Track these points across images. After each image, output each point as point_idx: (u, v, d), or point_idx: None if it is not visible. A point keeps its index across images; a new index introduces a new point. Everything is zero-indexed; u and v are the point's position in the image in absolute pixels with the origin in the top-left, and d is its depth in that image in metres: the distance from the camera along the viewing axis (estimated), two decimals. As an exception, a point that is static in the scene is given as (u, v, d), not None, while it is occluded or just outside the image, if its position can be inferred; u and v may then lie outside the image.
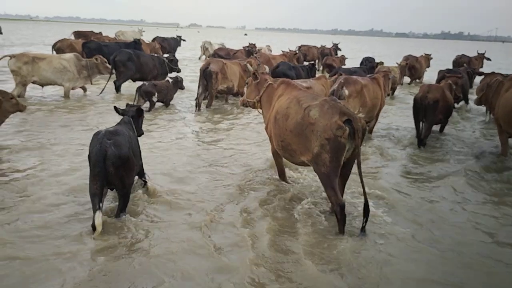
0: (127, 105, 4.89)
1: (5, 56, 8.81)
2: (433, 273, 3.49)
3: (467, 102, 11.29)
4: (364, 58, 14.61)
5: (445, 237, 4.11)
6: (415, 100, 7.50)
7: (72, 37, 18.39)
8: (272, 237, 3.93)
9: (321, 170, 4.02)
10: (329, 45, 21.40)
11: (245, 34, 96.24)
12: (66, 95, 9.64)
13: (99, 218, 3.69)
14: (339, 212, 3.95)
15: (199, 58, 22.33)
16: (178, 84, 9.42)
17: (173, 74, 10.69)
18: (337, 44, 20.63)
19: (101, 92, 10.14)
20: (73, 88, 9.78)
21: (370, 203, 4.09)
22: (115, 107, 4.75)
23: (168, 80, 9.34)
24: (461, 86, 9.19)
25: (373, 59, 14.40)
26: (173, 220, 4.18)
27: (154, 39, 19.70)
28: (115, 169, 3.80)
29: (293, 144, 4.38)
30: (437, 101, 7.25)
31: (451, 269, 3.56)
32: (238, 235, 3.95)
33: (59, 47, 13.18)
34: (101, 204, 3.79)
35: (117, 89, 10.72)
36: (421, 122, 7.49)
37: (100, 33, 20.68)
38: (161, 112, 8.98)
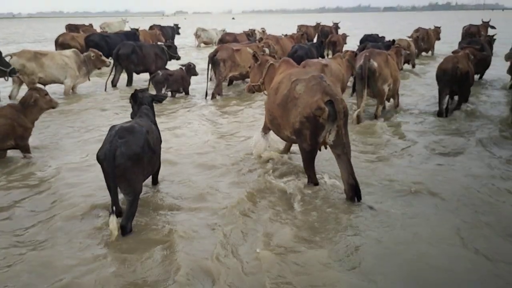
0: (136, 90, 4.40)
1: (7, 55, 8.35)
2: None
3: (481, 76, 10.47)
4: (365, 35, 14.23)
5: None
6: (444, 71, 7.13)
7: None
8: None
9: (302, 146, 4.22)
10: (324, 23, 20.95)
11: (233, 18, 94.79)
12: (66, 93, 9.27)
13: (113, 222, 3.41)
14: (312, 184, 4.35)
15: (198, 46, 21.81)
16: (191, 71, 9.10)
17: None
18: (338, 24, 20.30)
19: (105, 89, 9.80)
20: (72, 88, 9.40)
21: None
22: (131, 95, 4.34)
23: (181, 68, 9.02)
24: (484, 59, 8.93)
25: (376, 35, 14.08)
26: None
27: (150, 28, 19.11)
28: (123, 171, 3.44)
29: (278, 117, 4.48)
30: (468, 71, 7.05)
31: None
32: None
33: (62, 42, 12.65)
34: (114, 208, 3.46)
35: (129, 82, 10.39)
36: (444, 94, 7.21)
37: (91, 25, 20.10)
38: (173, 101, 8.75)
